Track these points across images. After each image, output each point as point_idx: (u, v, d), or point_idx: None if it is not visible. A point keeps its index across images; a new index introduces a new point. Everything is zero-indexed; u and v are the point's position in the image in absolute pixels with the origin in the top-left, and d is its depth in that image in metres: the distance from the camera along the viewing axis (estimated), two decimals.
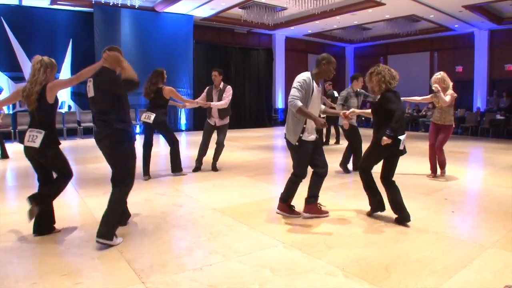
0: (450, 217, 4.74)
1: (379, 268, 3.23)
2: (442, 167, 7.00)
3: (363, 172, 4.64)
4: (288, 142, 4.57)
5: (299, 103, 4.22)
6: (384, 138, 4.21)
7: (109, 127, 3.87)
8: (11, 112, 13.47)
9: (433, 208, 5.03)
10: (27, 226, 4.31)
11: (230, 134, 15.28)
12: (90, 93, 3.97)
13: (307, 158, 4.55)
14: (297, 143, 4.44)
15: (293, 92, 4.30)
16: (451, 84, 6.92)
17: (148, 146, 6.82)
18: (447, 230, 4.25)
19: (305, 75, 4.41)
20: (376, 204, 4.67)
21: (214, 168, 7.65)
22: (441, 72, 6.94)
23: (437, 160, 7.00)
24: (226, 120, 7.64)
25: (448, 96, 6.70)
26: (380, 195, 4.63)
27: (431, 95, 7.11)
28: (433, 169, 7.07)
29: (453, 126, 7.01)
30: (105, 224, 3.72)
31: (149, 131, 6.92)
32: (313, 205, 4.64)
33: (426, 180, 6.63)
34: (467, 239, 3.94)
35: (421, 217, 4.66)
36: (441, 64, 18.86)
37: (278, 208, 4.79)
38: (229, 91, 7.49)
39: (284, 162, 8.70)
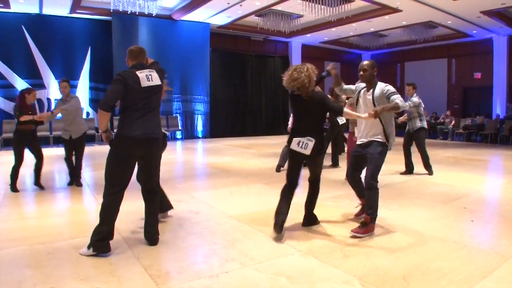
0: (469, 226, 4.66)
1: (396, 277, 3.19)
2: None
3: None
4: (380, 146, 4.31)
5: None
6: None
7: (160, 128, 3.96)
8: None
9: (451, 217, 4.96)
10: (44, 231, 4.38)
11: (246, 141, 15.46)
12: (153, 81, 3.78)
13: None
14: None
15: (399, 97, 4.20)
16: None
17: None
18: (466, 239, 4.18)
19: None
20: None
21: None
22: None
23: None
24: None
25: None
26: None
27: None
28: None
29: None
30: (157, 227, 4.03)
31: None
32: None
33: (444, 189, 6.53)
34: (487, 249, 3.87)
35: (440, 226, 4.59)
36: (458, 70, 18.68)
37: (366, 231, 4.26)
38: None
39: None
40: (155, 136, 3.83)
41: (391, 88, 4.28)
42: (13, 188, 6.35)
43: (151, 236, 3.95)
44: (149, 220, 4.00)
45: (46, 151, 11.77)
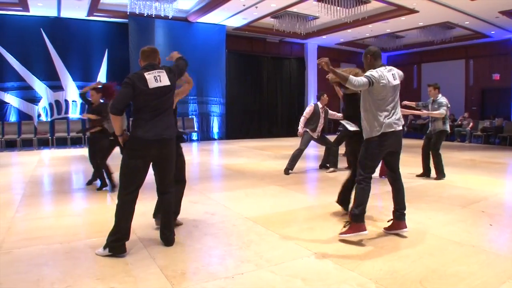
0: (488, 230, 4.59)
1: (413, 281, 3.16)
2: None
3: None
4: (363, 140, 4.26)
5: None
6: None
7: (173, 129, 3.99)
8: (49, 119, 13.93)
9: (469, 221, 4.89)
10: (62, 231, 4.44)
11: (262, 143, 15.46)
12: (162, 82, 3.78)
13: None
14: None
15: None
16: None
17: None
18: (485, 243, 4.12)
19: None
20: None
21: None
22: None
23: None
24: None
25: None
26: None
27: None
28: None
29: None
30: (172, 227, 4.09)
31: None
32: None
33: (462, 192, 6.44)
34: (506, 254, 3.81)
35: (457, 230, 4.53)
36: (476, 72, 18.43)
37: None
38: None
39: (316, 171, 8.64)
40: (167, 137, 3.84)
41: (373, 73, 4.11)
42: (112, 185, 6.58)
43: (167, 236, 3.98)
44: (165, 221, 4.02)
45: (64, 152, 12.01)
